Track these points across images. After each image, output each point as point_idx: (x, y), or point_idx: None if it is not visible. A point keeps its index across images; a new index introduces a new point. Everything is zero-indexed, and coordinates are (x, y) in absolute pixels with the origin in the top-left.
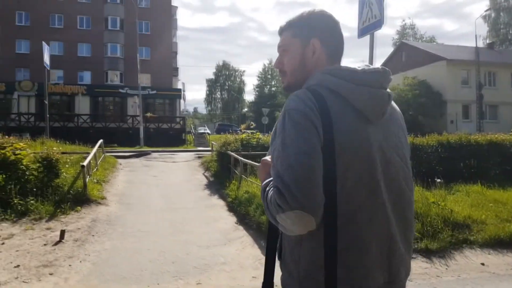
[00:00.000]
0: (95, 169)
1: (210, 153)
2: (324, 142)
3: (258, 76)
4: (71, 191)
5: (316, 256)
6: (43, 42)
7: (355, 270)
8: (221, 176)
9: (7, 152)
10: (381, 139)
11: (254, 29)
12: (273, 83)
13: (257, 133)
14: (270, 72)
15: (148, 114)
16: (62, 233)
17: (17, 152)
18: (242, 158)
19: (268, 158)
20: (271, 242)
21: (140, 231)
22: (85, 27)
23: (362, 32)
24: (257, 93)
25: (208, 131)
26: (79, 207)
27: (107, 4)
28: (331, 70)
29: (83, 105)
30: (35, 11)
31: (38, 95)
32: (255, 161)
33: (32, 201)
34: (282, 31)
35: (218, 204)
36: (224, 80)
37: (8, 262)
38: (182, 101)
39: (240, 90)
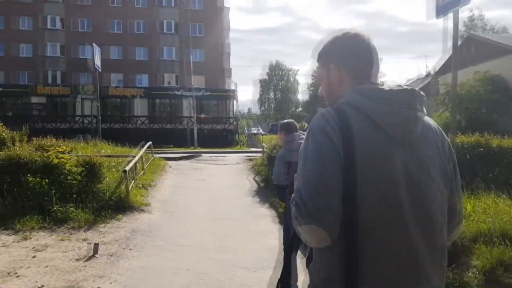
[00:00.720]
0: (141, 173)
1: (261, 155)
2: (344, 158)
3: (312, 75)
4: (113, 198)
5: (333, 268)
6: (93, 44)
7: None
8: (272, 182)
9: (50, 156)
10: (407, 159)
11: (307, 27)
12: None
13: None
14: None
15: (202, 115)
16: (96, 247)
17: (60, 156)
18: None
19: None
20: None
21: (181, 245)
22: (142, 31)
23: (441, 11)
24: (311, 92)
25: (261, 132)
26: (120, 215)
27: (162, 8)
28: (357, 88)
29: (141, 107)
30: (96, 18)
31: (100, 98)
32: None
33: (71, 208)
34: (317, 61)
35: (268, 215)
36: (277, 80)
37: (33, 281)
38: (234, 101)
39: (294, 90)
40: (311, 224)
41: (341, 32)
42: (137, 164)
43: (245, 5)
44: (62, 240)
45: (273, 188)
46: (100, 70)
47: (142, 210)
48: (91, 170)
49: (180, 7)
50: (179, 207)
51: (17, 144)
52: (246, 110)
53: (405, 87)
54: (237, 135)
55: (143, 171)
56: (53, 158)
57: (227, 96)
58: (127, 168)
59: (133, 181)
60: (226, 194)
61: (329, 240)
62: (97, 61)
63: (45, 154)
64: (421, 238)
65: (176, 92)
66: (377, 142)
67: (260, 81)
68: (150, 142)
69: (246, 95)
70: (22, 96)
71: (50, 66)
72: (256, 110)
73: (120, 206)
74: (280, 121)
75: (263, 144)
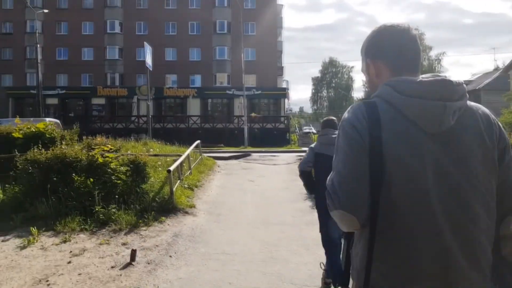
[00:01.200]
0: (188, 173)
1: None
2: (370, 149)
3: None
4: (156, 199)
5: (365, 253)
6: (145, 43)
7: (396, 272)
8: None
9: (95, 155)
10: (438, 151)
11: (363, 23)
12: None
13: None
14: None
15: (253, 114)
16: (133, 253)
17: (105, 155)
18: None
19: None
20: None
21: (225, 253)
22: (195, 32)
23: None
24: (367, 89)
25: (314, 131)
26: (163, 218)
27: (215, 8)
28: (390, 81)
29: (194, 107)
30: (152, 21)
31: (156, 98)
32: None
33: (114, 210)
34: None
35: None
36: (331, 78)
37: None
38: (286, 100)
39: (348, 87)
40: (341, 209)
41: (375, 29)
42: (184, 164)
43: (298, 3)
44: (101, 244)
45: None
46: (151, 69)
47: (187, 212)
48: (136, 170)
49: (233, 6)
50: (225, 210)
51: (65, 142)
52: (298, 109)
53: (437, 77)
54: (288, 134)
55: (189, 171)
56: (98, 157)
57: (279, 94)
58: (171, 168)
59: (179, 181)
60: (276, 196)
61: (358, 224)
62: (149, 60)
63: (91, 153)
64: (450, 228)
65: (228, 92)
66: (405, 133)
67: (313, 79)
68: (198, 141)
69: (298, 94)
70: (83, 98)
71: (109, 68)
72: (308, 109)
73: (164, 207)
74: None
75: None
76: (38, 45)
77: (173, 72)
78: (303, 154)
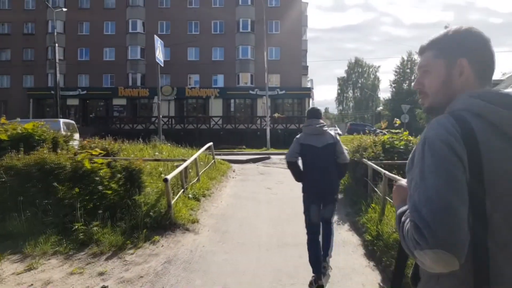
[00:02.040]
0: (194, 180)
1: None
2: (471, 173)
3: (395, 71)
4: (151, 213)
5: None
6: (155, 37)
7: None
8: (354, 194)
9: (82, 160)
10: None
11: (389, 23)
12: (412, 77)
13: (405, 133)
14: (409, 66)
15: (276, 115)
16: None
17: (94, 160)
18: (385, 171)
19: (403, 182)
20: (399, 262)
21: None
22: (218, 32)
23: None
24: (393, 89)
25: (339, 132)
26: (157, 237)
27: (239, 7)
28: (481, 93)
29: (216, 107)
30: (174, 20)
31: (178, 99)
32: (404, 175)
33: (96, 227)
34: (423, 50)
35: (349, 242)
36: (357, 78)
37: None
38: (311, 100)
39: (374, 87)
40: (438, 249)
41: (464, 27)
42: (190, 169)
43: (324, 4)
44: (72, 273)
45: (354, 201)
46: (162, 65)
47: (187, 229)
48: (130, 178)
49: (257, 5)
50: (234, 226)
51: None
52: (323, 110)
53: None
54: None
55: (197, 178)
56: (86, 163)
57: (303, 94)
58: (169, 177)
59: (182, 190)
60: (295, 207)
61: (457, 265)
62: (159, 55)
63: (77, 158)
64: None
65: (251, 92)
66: (507, 152)
67: (339, 79)
68: (210, 143)
69: (323, 94)
70: (105, 98)
71: (131, 68)
72: (333, 110)
73: (159, 224)
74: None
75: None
76: (57, 45)
77: (196, 72)
78: None
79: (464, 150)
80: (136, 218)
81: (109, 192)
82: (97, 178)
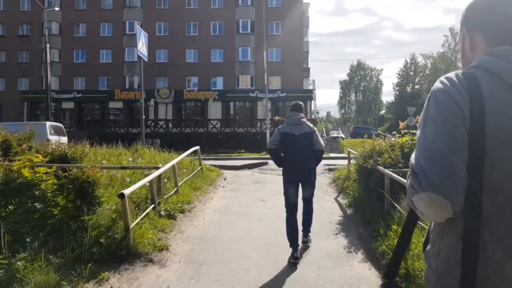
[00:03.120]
0: (172, 192)
1: (345, 163)
2: (471, 124)
3: (399, 74)
4: (101, 240)
5: (455, 251)
6: (137, 27)
7: (498, 272)
8: (367, 209)
9: (22, 170)
10: None
11: (390, 27)
12: (416, 80)
13: None
14: (412, 69)
15: (277, 118)
16: None
17: (37, 169)
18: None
19: None
20: (406, 230)
21: None
22: (217, 33)
23: None
24: (397, 92)
25: (342, 135)
26: (106, 273)
27: (239, 8)
28: (492, 51)
29: (215, 110)
30: (173, 21)
31: (175, 101)
32: None
33: (22, 261)
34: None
35: (365, 280)
36: (359, 81)
37: None
38: (313, 102)
39: (377, 91)
40: (429, 191)
41: None
42: (165, 180)
43: (325, 9)
44: None
45: (368, 219)
46: (146, 60)
47: (151, 260)
48: (80, 192)
49: (257, 5)
50: (215, 254)
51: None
52: (325, 114)
53: None
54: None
55: (175, 189)
56: (25, 173)
57: (305, 97)
58: (127, 191)
59: (153, 206)
60: None
61: (450, 211)
62: (142, 48)
63: (13, 166)
64: None
65: (251, 94)
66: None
67: (341, 82)
68: (196, 147)
69: (325, 98)
70: (101, 101)
71: (128, 71)
72: (335, 113)
73: (112, 254)
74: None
75: (351, 150)
76: (48, 46)
77: (194, 74)
78: (332, 161)
79: (467, 102)
80: (81, 246)
81: (55, 210)
82: (37, 192)
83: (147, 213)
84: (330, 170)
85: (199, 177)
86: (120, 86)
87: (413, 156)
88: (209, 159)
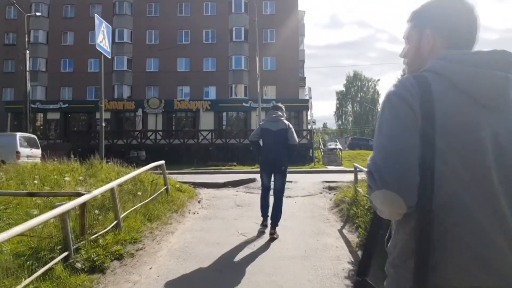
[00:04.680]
0: (109, 227)
1: (346, 178)
2: (423, 124)
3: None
4: None
5: (408, 243)
6: (96, 16)
7: (448, 264)
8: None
9: None
10: (495, 125)
11: (384, 40)
12: None
13: None
14: None
15: None
16: None
17: None
18: None
19: None
20: (372, 226)
21: None
22: (210, 41)
23: None
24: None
25: (340, 147)
26: None
27: (232, 15)
28: (444, 54)
29: (206, 121)
30: (164, 29)
31: (166, 112)
32: None
33: None
34: (407, 22)
35: None
36: (356, 92)
37: None
38: (309, 111)
39: (374, 101)
40: (384, 188)
41: None
42: (95, 212)
43: (320, 21)
44: None
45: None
46: (109, 56)
47: None
48: None
49: (251, 12)
50: None
51: None
52: (321, 125)
53: (495, 50)
54: (311, 151)
55: (114, 223)
56: None
57: (301, 107)
58: None
59: (65, 254)
60: (288, 282)
61: (404, 207)
62: (102, 42)
63: None
64: (510, 209)
65: (245, 104)
66: (460, 107)
67: (337, 93)
68: (160, 162)
69: (321, 110)
70: (87, 112)
71: (117, 80)
72: (331, 125)
73: None
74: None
75: (357, 166)
76: (27, 52)
77: (186, 83)
78: (331, 176)
79: (418, 103)
80: None
81: None
82: None
83: (50, 268)
84: (330, 188)
85: (162, 202)
86: (108, 96)
87: (369, 157)
88: (193, 173)
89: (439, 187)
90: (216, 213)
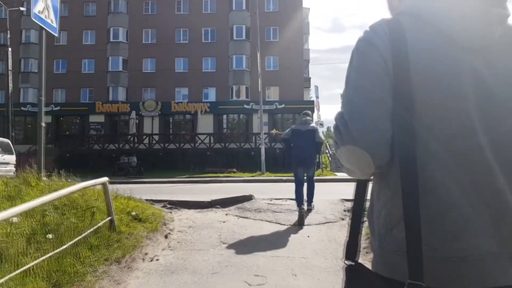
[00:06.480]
0: None
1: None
2: (395, 71)
3: None
4: None
5: (393, 209)
6: None
7: (439, 229)
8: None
9: None
10: (479, 68)
11: None
12: None
13: None
14: None
15: (274, 131)
16: None
17: None
18: None
19: None
20: (356, 202)
21: None
22: (210, 40)
23: None
24: None
25: None
26: None
27: (232, 12)
28: None
29: (205, 124)
30: (161, 28)
31: (163, 114)
32: None
33: None
34: None
35: None
36: None
37: None
38: (316, 111)
39: None
40: (350, 144)
41: None
42: None
43: (323, 25)
44: None
45: None
46: (56, 34)
47: None
48: None
49: (252, 10)
50: None
51: None
52: (325, 129)
53: None
54: (318, 156)
55: None
56: None
57: (306, 108)
58: None
59: None
60: None
61: (372, 166)
62: (43, 12)
63: None
64: (498, 162)
65: (246, 106)
66: (438, 50)
67: (341, 95)
68: (104, 179)
69: (324, 114)
70: (80, 115)
71: (112, 81)
72: None
73: None
74: None
75: None
76: (10, 49)
77: (184, 85)
78: (343, 186)
79: (389, 48)
80: None
81: None
82: None
83: None
84: (347, 211)
85: (97, 244)
86: (103, 98)
87: (338, 111)
88: (186, 182)
89: (421, 139)
90: (187, 260)
